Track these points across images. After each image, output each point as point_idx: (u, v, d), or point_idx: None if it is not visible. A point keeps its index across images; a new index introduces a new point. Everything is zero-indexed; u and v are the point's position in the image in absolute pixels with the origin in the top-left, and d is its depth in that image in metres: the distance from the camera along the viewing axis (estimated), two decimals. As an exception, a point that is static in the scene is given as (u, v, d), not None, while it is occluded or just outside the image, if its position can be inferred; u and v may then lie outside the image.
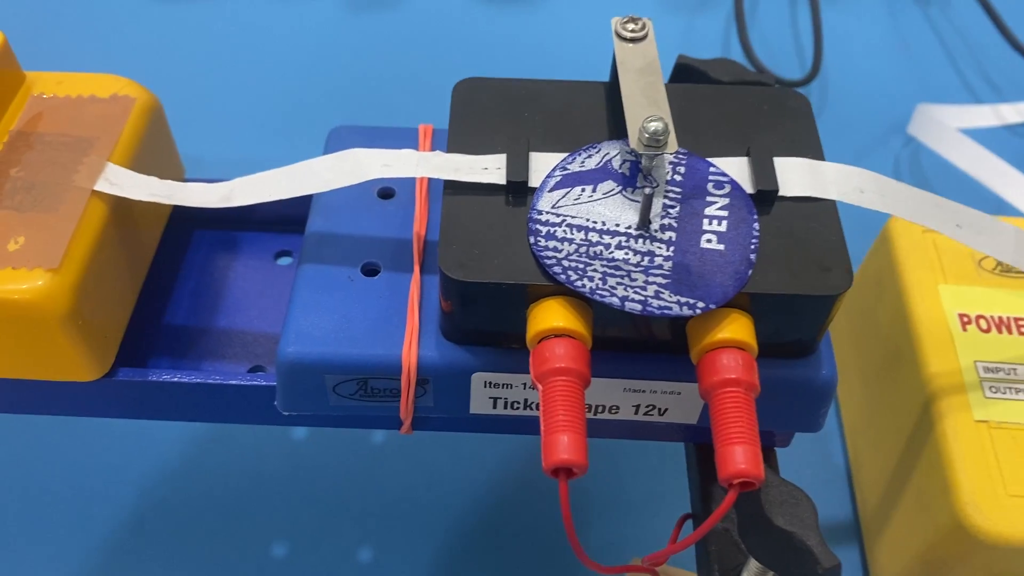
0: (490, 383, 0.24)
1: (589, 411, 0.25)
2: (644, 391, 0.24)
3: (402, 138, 0.28)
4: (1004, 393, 0.30)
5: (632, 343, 0.24)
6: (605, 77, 0.27)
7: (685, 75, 0.29)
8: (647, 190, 0.22)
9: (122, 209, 0.25)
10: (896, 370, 0.33)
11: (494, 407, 0.25)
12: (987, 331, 0.31)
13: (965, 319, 0.32)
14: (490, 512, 0.34)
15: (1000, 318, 0.32)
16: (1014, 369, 0.30)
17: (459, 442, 0.36)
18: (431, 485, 0.35)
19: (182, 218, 0.31)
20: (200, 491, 0.35)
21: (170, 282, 0.30)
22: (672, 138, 0.23)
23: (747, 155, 0.24)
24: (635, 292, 0.22)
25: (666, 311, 0.21)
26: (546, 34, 0.53)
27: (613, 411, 0.25)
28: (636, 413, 0.25)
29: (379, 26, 0.53)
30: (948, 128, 0.42)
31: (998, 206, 0.41)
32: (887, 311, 0.34)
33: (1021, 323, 0.32)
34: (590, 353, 0.22)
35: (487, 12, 0.54)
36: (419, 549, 0.34)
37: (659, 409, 0.25)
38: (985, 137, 0.48)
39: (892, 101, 0.49)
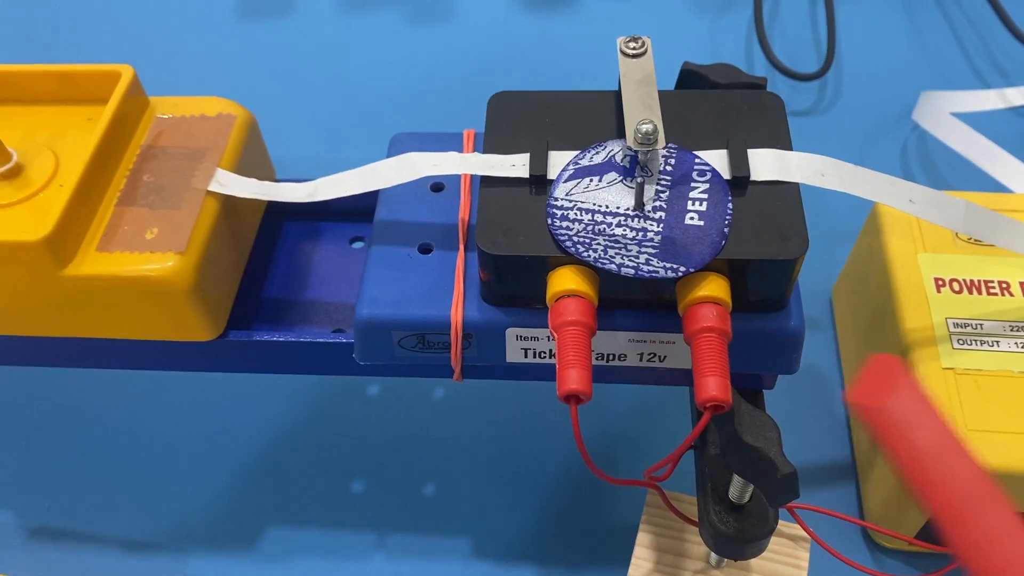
0: (521, 336, 0.30)
1: (602, 359, 0.31)
2: (646, 341, 0.30)
3: (450, 141, 0.34)
4: (970, 345, 0.35)
5: (635, 302, 0.29)
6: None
7: (689, 79, 0.35)
8: (639, 179, 0.28)
9: (229, 205, 0.32)
10: (881, 327, 0.37)
11: (525, 356, 0.31)
12: (959, 292, 0.36)
13: (940, 282, 0.37)
14: (525, 452, 0.40)
15: (971, 281, 0.36)
16: (980, 324, 0.35)
17: (501, 398, 0.42)
18: (479, 431, 0.41)
19: (274, 212, 0.37)
20: (295, 439, 0.41)
21: (266, 264, 0.36)
22: (661, 136, 0.28)
23: (726, 147, 0.30)
24: (630, 260, 0.27)
25: (653, 274, 0.27)
26: (582, 40, 0.59)
27: (623, 359, 0.31)
28: (641, 360, 0.31)
29: (435, 37, 0.59)
30: (945, 113, 0.47)
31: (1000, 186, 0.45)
32: (875, 277, 0.39)
33: (990, 285, 0.36)
34: (597, 310, 0.28)
35: (529, 21, 0.60)
36: (473, 482, 0.40)
37: (659, 356, 0.30)
38: (993, 119, 0.52)
39: (903, 90, 0.53)
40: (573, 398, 0.26)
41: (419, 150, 0.32)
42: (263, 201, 0.35)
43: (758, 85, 0.34)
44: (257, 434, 0.42)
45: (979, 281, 0.36)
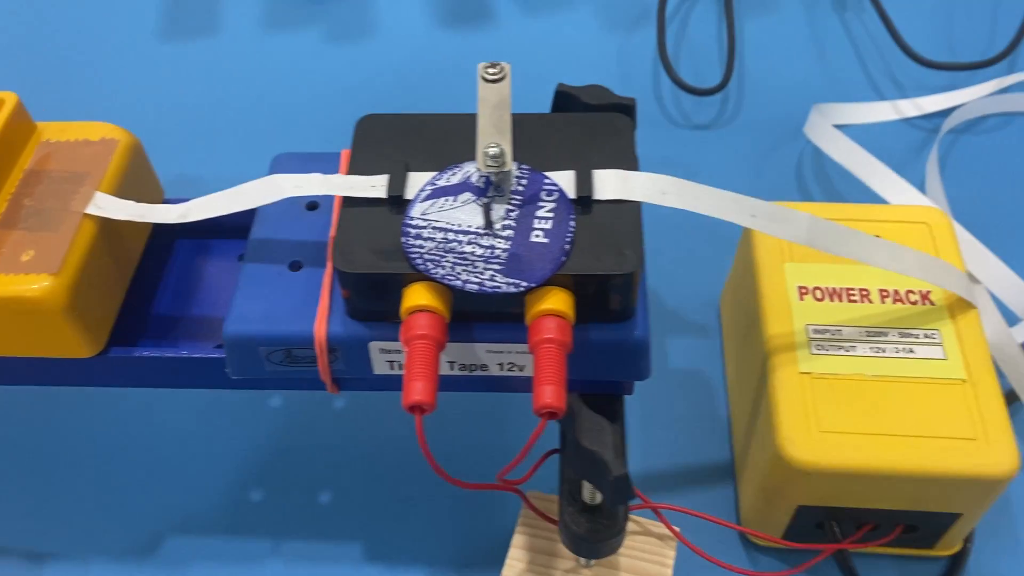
0: (383, 349, 0.32)
1: (465, 370, 0.32)
2: (502, 351, 0.31)
3: (328, 162, 0.36)
4: (827, 350, 0.36)
5: (492, 316, 0.31)
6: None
7: (563, 100, 0.36)
8: (485, 200, 0.30)
9: (108, 226, 0.33)
10: (751, 335, 0.39)
11: (391, 368, 0.32)
12: (821, 300, 0.38)
13: (803, 290, 0.38)
14: (417, 461, 0.42)
15: (832, 289, 0.38)
16: (839, 330, 0.37)
17: (395, 410, 0.43)
18: (374, 441, 0.43)
19: (166, 230, 0.39)
20: (195, 449, 0.43)
21: (156, 281, 0.38)
22: (509, 159, 0.30)
23: (574, 169, 0.32)
24: (475, 276, 0.29)
25: (496, 289, 0.29)
26: (499, 58, 0.60)
27: (484, 369, 0.32)
28: (502, 369, 0.32)
29: (354, 55, 0.61)
30: (829, 126, 0.49)
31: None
32: (747, 287, 0.40)
33: (851, 292, 0.38)
34: (447, 324, 0.29)
35: (447, 39, 0.62)
36: (367, 490, 0.41)
37: (518, 366, 0.32)
38: (885, 130, 0.54)
39: (803, 102, 0.55)
40: (417, 408, 0.28)
41: (298, 170, 0.33)
42: (148, 223, 0.36)
43: (626, 106, 0.35)
44: (156, 444, 0.43)
45: (840, 289, 0.38)
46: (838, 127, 0.50)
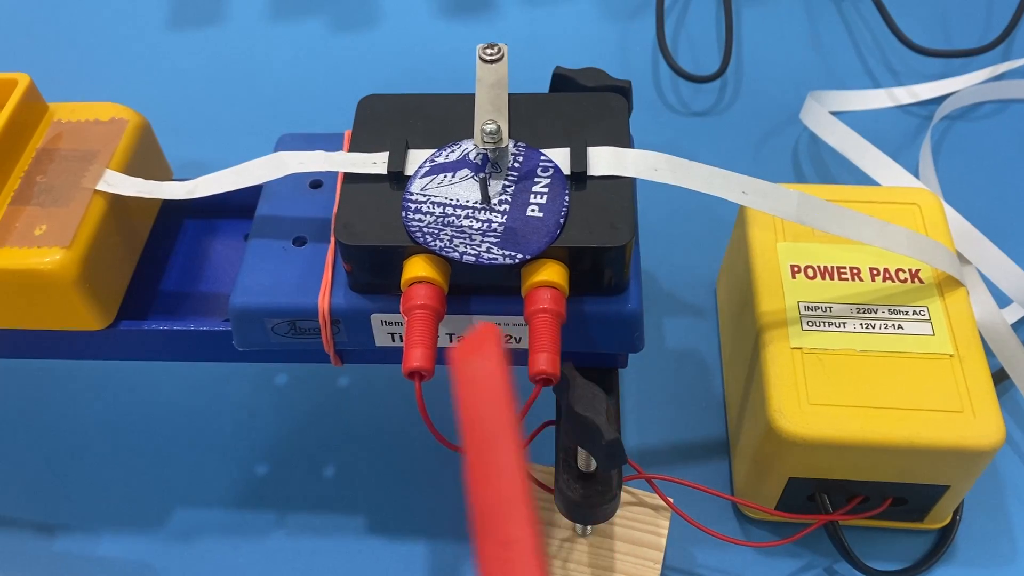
0: (385, 321, 0.33)
1: (463, 342, 0.33)
2: (499, 323, 0.32)
3: (331, 142, 0.37)
4: (818, 326, 0.37)
5: (489, 288, 0.32)
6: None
7: (561, 83, 0.37)
8: (482, 175, 0.31)
9: (118, 202, 0.34)
10: (744, 312, 0.40)
11: (392, 340, 0.33)
12: (812, 278, 0.39)
13: (796, 268, 0.39)
14: (418, 435, 0.43)
15: (824, 267, 0.39)
16: (829, 307, 0.38)
17: (397, 384, 0.44)
18: (377, 416, 0.44)
19: (176, 210, 0.40)
20: (201, 425, 0.44)
21: (165, 259, 0.39)
22: (505, 135, 0.31)
23: (569, 146, 0.33)
24: (472, 249, 0.30)
25: (492, 261, 0.30)
26: (502, 41, 0.61)
27: (481, 341, 0.33)
28: (499, 342, 0.33)
29: (358, 44, 0.62)
30: (824, 112, 0.50)
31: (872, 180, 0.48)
32: (742, 266, 0.41)
33: (842, 271, 0.39)
34: (445, 295, 0.30)
35: (449, 28, 0.63)
36: (370, 464, 0.42)
37: (515, 338, 0.33)
38: (880, 117, 0.55)
39: (799, 89, 0.56)
40: (416, 375, 0.29)
41: (302, 149, 0.34)
42: (156, 199, 0.37)
43: (622, 88, 0.36)
44: (165, 419, 0.44)
45: (832, 267, 0.39)
46: (833, 114, 0.51)
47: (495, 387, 0.21)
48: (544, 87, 0.37)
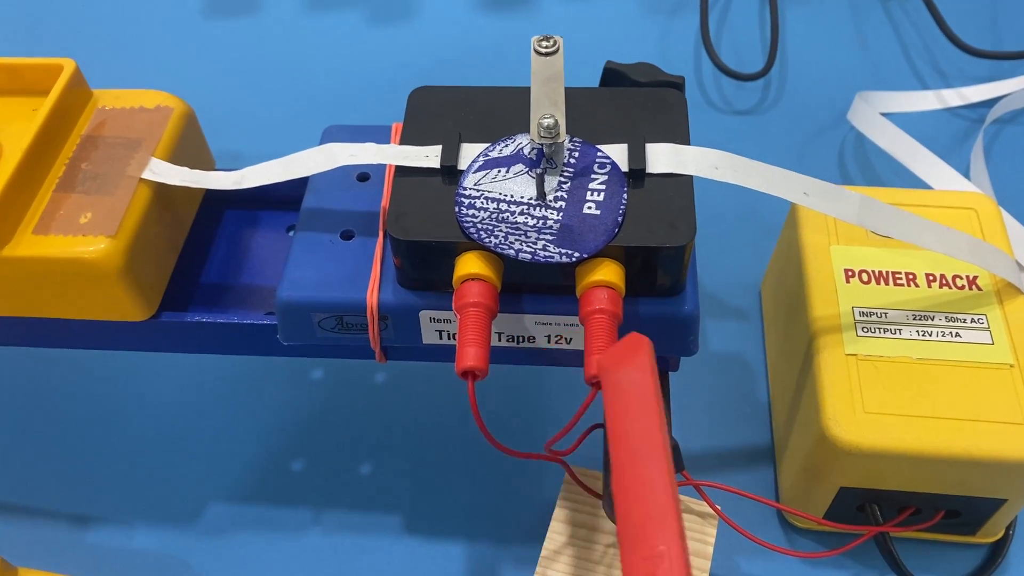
0: (434, 319, 0.32)
1: (513, 342, 0.32)
2: (550, 323, 0.32)
3: (377, 133, 0.36)
4: (873, 332, 0.36)
5: (541, 287, 0.31)
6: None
7: (612, 77, 0.36)
8: (539, 171, 0.30)
9: (163, 191, 0.34)
10: (795, 317, 0.39)
11: (440, 338, 0.32)
12: (867, 283, 0.38)
13: (850, 273, 0.38)
14: (456, 433, 0.42)
15: (879, 272, 0.38)
16: (885, 313, 0.37)
17: (434, 382, 0.44)
18: (414, 414, 0.43)
19: (217, 200, 0.39)
20: (238, 420, 0.43)
21: (206, 250, 0.38)
22: (562, 130, 0.30)
23: (627, 142, 0.32)
24: (528, 246, 0.29)
25: (549, 259, 0.29)
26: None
27: (531, 340, 0.32)
28: (549, 342, 0.32)
29: (395, 37, 0.61)
30: (874, 113, 0.49)
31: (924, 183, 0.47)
32: (792, 269, 0.40)
33: (897, 276, 0.38)
34: (500, 293, 0.30)
35: (488, 22, 0.62)
36: (408, 462, 0.42)
37: (566, 339, 0.32)
38: (928, 119, 0.54)
39: (845, 90, 0.55)
40: (470, 374, 0.28)
41: (349, 141, 0.34)
42: (200, 189, 0.37)
43: (675, 83, 0.35)
44: (201, 412, 0.43)
45: (887, 272, 0.38)
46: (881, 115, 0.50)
47: (646, 399, 0.20)
48: (583, 82, 0.36)
